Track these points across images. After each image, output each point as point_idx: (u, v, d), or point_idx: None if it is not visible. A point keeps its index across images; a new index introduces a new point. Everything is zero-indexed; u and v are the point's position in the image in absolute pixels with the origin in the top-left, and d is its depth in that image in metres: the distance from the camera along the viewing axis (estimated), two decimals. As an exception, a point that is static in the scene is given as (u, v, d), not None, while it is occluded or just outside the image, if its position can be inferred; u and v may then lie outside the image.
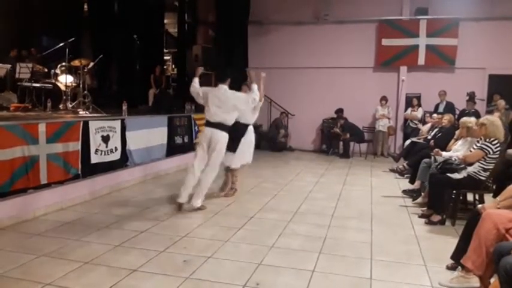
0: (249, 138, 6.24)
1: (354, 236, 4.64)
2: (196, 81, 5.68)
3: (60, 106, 8.52)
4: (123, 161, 6.83)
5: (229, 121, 5.50)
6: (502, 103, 9.17)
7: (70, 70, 8.83)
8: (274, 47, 12.70)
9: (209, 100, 5.42)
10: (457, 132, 6.69)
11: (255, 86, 5.61)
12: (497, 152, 4.82)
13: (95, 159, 6.13)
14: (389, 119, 11.81)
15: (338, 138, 11.86)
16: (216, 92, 5.44)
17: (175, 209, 5.44)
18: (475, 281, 3.28)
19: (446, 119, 7.68)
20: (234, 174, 6.40)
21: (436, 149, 6.08)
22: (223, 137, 5.45)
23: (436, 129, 8.09)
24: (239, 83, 6.14)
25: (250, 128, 6.28)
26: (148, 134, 7.58)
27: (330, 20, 12.25)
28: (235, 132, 5.98)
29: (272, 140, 12.36)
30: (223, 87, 5.43)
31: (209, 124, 5.47)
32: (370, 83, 12.28)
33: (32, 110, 8.08)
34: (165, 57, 14.17)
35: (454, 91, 10.84)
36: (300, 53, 12.58)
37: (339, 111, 11.82)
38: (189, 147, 9.05)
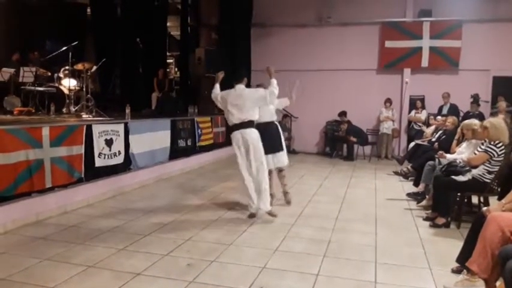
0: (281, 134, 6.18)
1: (358, 239, 4.62)
2: (217, 86, 5.58)
3: (64, 110, 8.54)
4: (127, 164, 6.84)
5: (254, 117, 5.35)
6: (503, 105, 9.14)
7: (73, 74, 8.85)
8: (277, 49, 12.69)
9: (228, 102, 5.32)
10: (458, 130, 6.66)
11: (274, 81, 5.41)
12: (502, 155, 4.79)
13: (98, 162, 6.14)
14: (393, 121, 11.79)
15: (342, 141, 11.84)
16: (234, 92, 5.35)
17: (249, 217, 5.30)
18: (481, 284, 3.25)
19: (450, 121, 7.66)
20: (283, 175, 6.23)
21: (441, 152, 6.06)
22: (254, 132, 5.30)
23: (440, 132, 8.06)
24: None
25: (278, 124, 6.20)
26: (152, 137, 7.58)
27: (333, 22, 12.25)
28: (272, 131, 5.90)
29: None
30: (241, 87, 5.35)
31: (236, 127, 5.31)
32: (374, 85, 12.26)
33: (36, 114, 8.10)
34: (168, 60, 14.17)
35: (458, 93, 10.80)
36: (303, 55, 12.57)
37: (342, 114, 11.79)
38: (192, 150, 9.06)
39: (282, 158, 5.98)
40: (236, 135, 5.32)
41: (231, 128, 5.43)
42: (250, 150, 5.26)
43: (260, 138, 5.36)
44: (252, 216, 5.37)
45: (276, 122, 6.15)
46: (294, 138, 12.81)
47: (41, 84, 8.69)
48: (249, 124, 5.29)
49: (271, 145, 5.74)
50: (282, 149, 5.97)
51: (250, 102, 5.29)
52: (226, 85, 5.58)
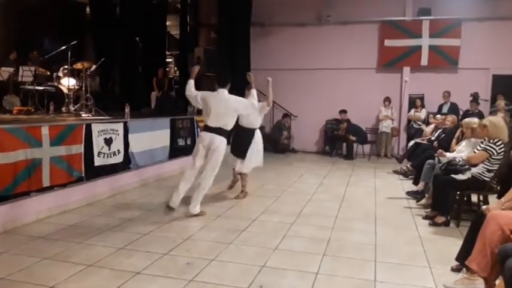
0: (256, 142, 6.26)
1: (358, 238, 4.62)
2: (191, 83, 5.39)
3: (63, 109, 8.54)
4: (126, 163, 6.84)
5: (229, 126, 5.39)
6: (501, 103, 9.14)
7: (72, 73, 8.85)
8: (276, 48, 12.70)
9: (210, 105, 5.24)
10: (458, 131, 6.67)
11: (254, 91, 5.51)
12: (502, 153, 4.79)
13: (97, 161, 6.14)
14: (392, 120, 11.78)
15: (341, 140, 11.84)
16: (217, 96, 5.27)
17: (164, 213, 5.26)
18: (480, 283, 3.25)
19: (449, 120, 7.66)
20: (243, 178, 6.41)
21: (440, 150, 6.06)
22: (222, 142, 5.29)
23: (440, 130, 8.06)
24: (242, 87, 6.15)
25: (257, 131, 6.30)
26: (151, 136, 7.57)
27: (332, 21, 12.23)
28: (243, 138, 6.09)
29: (275, 141, 12.34)
30: (224, 92, 5.28)
31: (208, 129, 5.28)
32: (373, 84, 12.25)
33: (35, 113, 8.09)
34: (168, 60, 14.17)
35: (457, 92, 10.81)
36: (303, 54, 12.57)
37: (343, 112, 11.75)
38: (192, 149, 9.03)
39: (240, 165, 6.22)
40: (206, 137, 5.28)
41: (204, 128, 5.39)
42: (211, 158, 5.26)
43: (234, 140, 5.74)
44: (170, 210, 5.27)
45: (257, 129, 6.28)
46: (294, 137, 12.81)
47: (40, 84, 8.68)
48: (221, 132, 5.28)
49: (236, 150, 6.24)
50: (243, 157, 6.15)
51: (232, 111, 5.30)
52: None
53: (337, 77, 12.41)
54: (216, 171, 5.41)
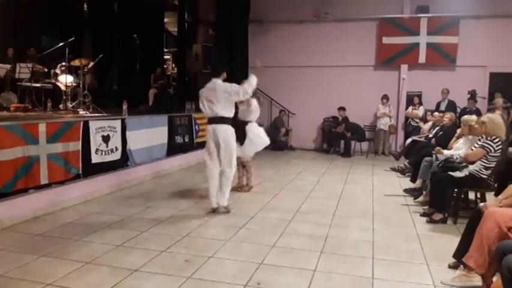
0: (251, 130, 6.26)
1: (356, 235, 4.63)
2: None
3: (61, 106, 8.50)
4: (124, 160, 6.83)
5: (229, 113, 5.28)
6: (499, 101, 9.15)
7: (70, 70, 8.81)
8: (274, 45, 12.67)
9: (203, 96, 5.26)
10: (458, 130, 6.68)
11: (251, 77, 5.29)
12: (499, 150, 4.80)
13: (95, 159, 6.13)
14: (390, 117, 11.80)
15: (340, 137, 11.84)
16: (208, 85, 5.28)
17: (208, 214, 5.30)
18: (477, 280, 3.26)
19: (447, 117, 7.68)
20: (247, 169, 6.47)
21: (438, 148, 6.07)
22: (226, 130, 5.25)
23: (437, 128, 8.08)
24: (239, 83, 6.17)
25: (253, 124, 6.34)
26: (149, 133, 7.57)
27: (331, 18, 12.22)
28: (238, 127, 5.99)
29: (273, 139, 12.29)
30: (217, 81, 5.24)
31: (210, 121, 5.31)
32: (371, 81, 12.26)
33: (32, 110, 8.07)
34: (165, 57, 14.14)
35: (455, 89, 10.84)
36: (301, 51, 12.55)
37: (341, 109, 11.74)
38: (190, 146, 9.06)
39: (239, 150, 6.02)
40: (209, 128, 5.31)
41: (208, 121, 5.41)
42: (223, 150, 5.26)
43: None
44: (213, 211, 5.34)
45: (253, 123, 6.31)
46: (292, 134, 12.80)
47: (38, 81, 8.65)
48: (223, 120, 5.25)
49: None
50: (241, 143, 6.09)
51: (223, 95, 5.18)
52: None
53: (335, 75, 12.41)
54: (234, 163, 5.40)
